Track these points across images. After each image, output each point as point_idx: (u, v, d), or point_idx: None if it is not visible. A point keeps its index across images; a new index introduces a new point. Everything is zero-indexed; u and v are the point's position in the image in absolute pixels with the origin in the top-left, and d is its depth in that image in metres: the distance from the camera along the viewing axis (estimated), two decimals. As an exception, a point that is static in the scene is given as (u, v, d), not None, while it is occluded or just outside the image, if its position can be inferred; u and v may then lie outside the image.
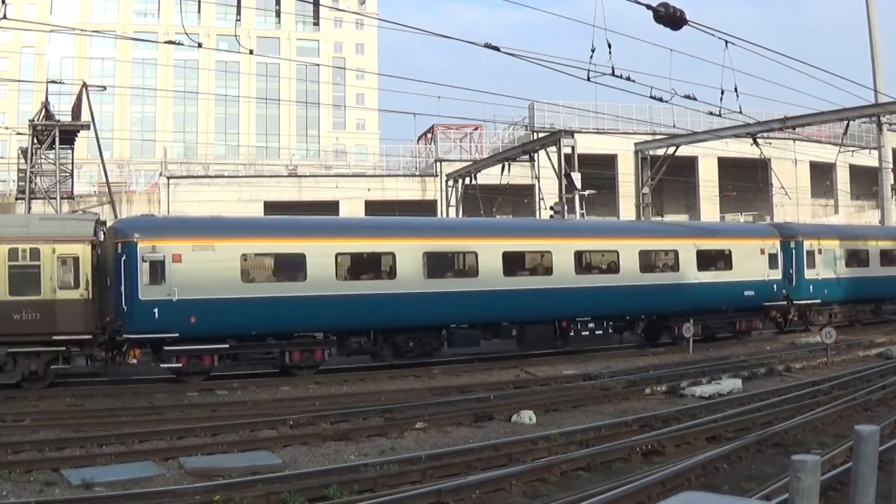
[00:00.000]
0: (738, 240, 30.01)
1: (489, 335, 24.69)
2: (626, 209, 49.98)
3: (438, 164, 56.05)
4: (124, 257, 20.13)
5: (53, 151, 35.82)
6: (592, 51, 19.80)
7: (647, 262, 27.70)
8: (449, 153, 59.10)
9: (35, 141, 36.23)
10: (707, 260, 28.51)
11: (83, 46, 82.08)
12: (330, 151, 79.80)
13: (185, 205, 46.64)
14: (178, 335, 20.21)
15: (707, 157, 57.44)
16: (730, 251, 29.18)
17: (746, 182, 55.15)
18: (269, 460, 12.46)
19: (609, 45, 19.38)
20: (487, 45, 18.71)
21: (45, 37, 76.15)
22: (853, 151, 52.55)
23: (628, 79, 21.19)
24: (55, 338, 19.71)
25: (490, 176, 43.72)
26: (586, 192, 35.99)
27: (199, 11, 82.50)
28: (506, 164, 40.96)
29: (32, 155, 36.16)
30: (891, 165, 48.20)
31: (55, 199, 35.57)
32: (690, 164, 57.53)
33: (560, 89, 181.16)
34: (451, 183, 48.25)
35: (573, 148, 35.59)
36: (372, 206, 51.23)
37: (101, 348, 20.56)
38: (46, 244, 19.91)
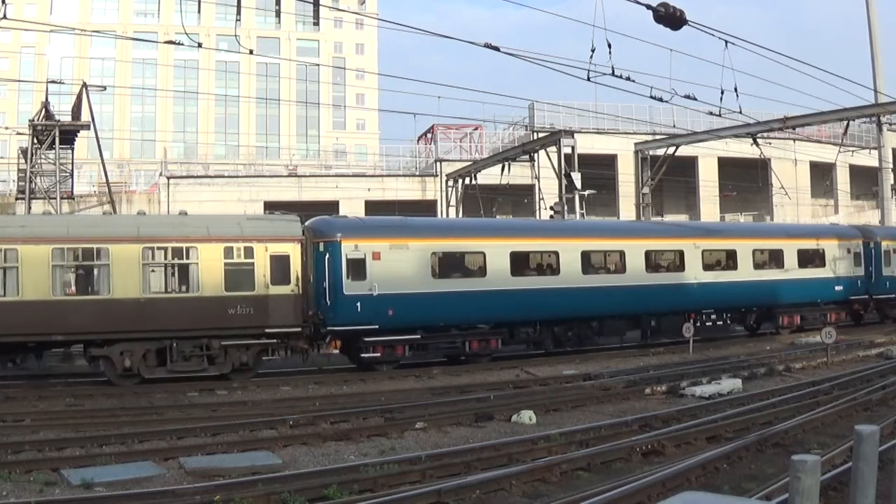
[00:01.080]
0: (830, 240, 32.92)
1: (632, 326, 27.40)
2: (627, 209, 49.98)
3: (438, 164, 56.04)
4: (328, 255, 21.97)
5: (53, 151, 35.82)
6: (592, 51, 19.82)
7: (760, 260, 30.49)
8: (449, 153, 59.10)
9: (35, 141, 36.23)
10: (805, 258, 31.58)
11: (83, 46, 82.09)
12: (330, 151, 79.80)
13: (184, 205, 46.58)
14: (377, 327, 22.19)
15: (707, 157, 57.44)
16: (823, 251, 32.22)
17: (746, 182, 55.13)
18: (269, 460, 12.45)
19: (609, 45, 19.38)
20: (487, 45, 18.70)
21: (45, 37, 76.16)
22: (853, 151, 52.52)
23: (628, 79, 21.19)
24: (268, 331, 21.14)
25: (490, 176, 43.71)
26: (586, 192, 36.03)
27: (199, 11, 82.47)
28: (506, 164, 40.97)
29: (32, 155, 36.16)
30: (891, 165, 48.21)
31: (55, 199, 35.57)
32: (690, 164, 57.52)
33: (560, 89, 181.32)
34: (451, 183, 48.26)
35: (573, 148, 35.61)
36: (372, 207, 51.21)
37: (305, 340, 21.96)
38: (260, 243, 21.35)
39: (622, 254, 26.84)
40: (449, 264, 24.12)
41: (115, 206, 41.91)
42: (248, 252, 21.19)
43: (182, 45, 22.59)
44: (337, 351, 22.88)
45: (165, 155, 62.51)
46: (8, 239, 19.72)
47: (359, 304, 21.87)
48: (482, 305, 23.72)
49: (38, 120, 37.25)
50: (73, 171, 38.27)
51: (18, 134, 45.15)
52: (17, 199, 39.94)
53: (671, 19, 14.81)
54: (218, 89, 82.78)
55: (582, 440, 13.12)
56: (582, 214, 35.16)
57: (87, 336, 20.09)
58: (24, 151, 37.29)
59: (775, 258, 30.72)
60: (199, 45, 23.26)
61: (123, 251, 20.16)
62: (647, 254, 27.50)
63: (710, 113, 27.36)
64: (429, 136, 64.46)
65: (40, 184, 36.65)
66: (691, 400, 17.39)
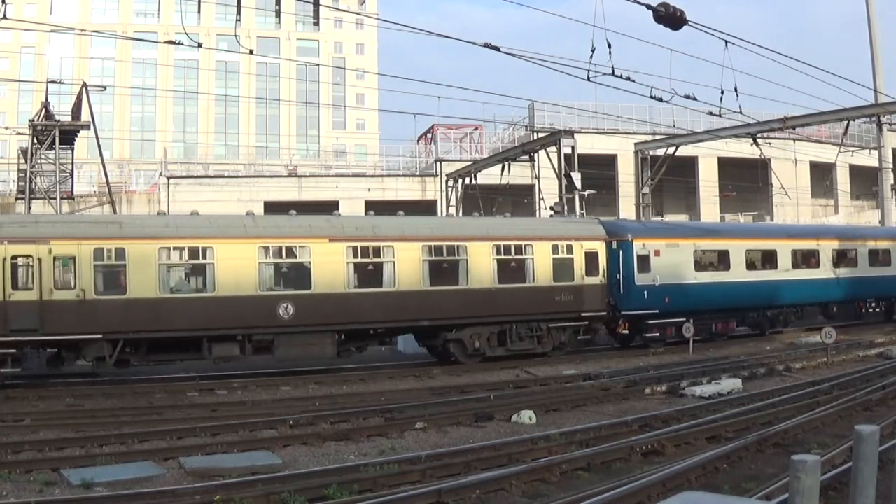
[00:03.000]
0: None
1: (820, 312, 33.19)
2: (627, 209, 49.94)
3: (438, 164, 55.98)
4: (621, 252, 26.41)
5: (53, 151, 35.84)
6: (592, 51, 19.81)
7: None
8: (449, 153, 59.04)
9: (35, 141, 36.24)
10: None
11: (83, 46, 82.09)
12: (330, 151, 79.75)
13: (184, 205, 46.53)
14: (657, 311, 26.62)
15: (707, 157, 57.37)
16: None
17: (746, 182, 55.07)
18: (269, 460, 12.45)
19: (609, 45, 19.38)
20: (487, 45, 18.70)
21: (45, 37, 76.16)
22: (853, 151, 52.48)
23: (628, 79, 21.18)
24: (582, 314, 25.25)
25: (490, 176, 43.67)
26: (586, 192, 35.94)
27: (199, 11, 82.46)
28: (506, 164, 40.93)
29: (32, 155, 36.17)
30: (891, 165, 48.18)
31: (55, 199, 35.57)
32: (690, 164, 57.45)
33: (560, 89, 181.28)
34: (451, 183, 48.22)
35: (573, 148, 35.56)
36: (372, 206, 51.05)
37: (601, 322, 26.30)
38: (577, 241, 25.57)
39: (817, 252, 32.16)
40: (705, 260, 29.23)
41: (115, 206, 41.89)
42: (569, 249, 25.29)
43: (182, 45, 22.61)
44: (626, 332, 27.04)
45: (165, 155, 62.45)
46: (386, 238, 22.93)
47: (645, 292, 26.45)
48: (726, 294, 28.54)
49: (38, 120, 37.26)
50: (73, 171, 38.27)
51: (18, 134, 45.16)
52: (17, 199, 39.94)
53: (671, 19, 14.81)
54: (218, 89, 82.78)
55: (582, 440, 13.12)
56: (582, 214, 35.13)
57: (447, 321, 23.38)
58: (24, 151, 37.30)
59: None
60: (199, 45, 23.28)
61: (478, 248, 23.90)
62: (835, 252, 32.92)
63: (710, 113, 27.36)
64: (429, 136, 64.40)
65: (40, 184, 36.66)
66: (691, 400, 17.38)
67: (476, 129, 61.30)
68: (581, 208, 35.03)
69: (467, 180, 45.88)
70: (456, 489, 10.07)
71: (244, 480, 10.69)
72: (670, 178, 48.24)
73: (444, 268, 23.54)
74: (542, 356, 24.40)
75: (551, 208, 36.18)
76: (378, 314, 22.48)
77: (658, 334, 26.96)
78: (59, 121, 36.23)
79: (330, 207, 49.01)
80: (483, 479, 10.56)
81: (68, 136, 36.66)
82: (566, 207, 34.58)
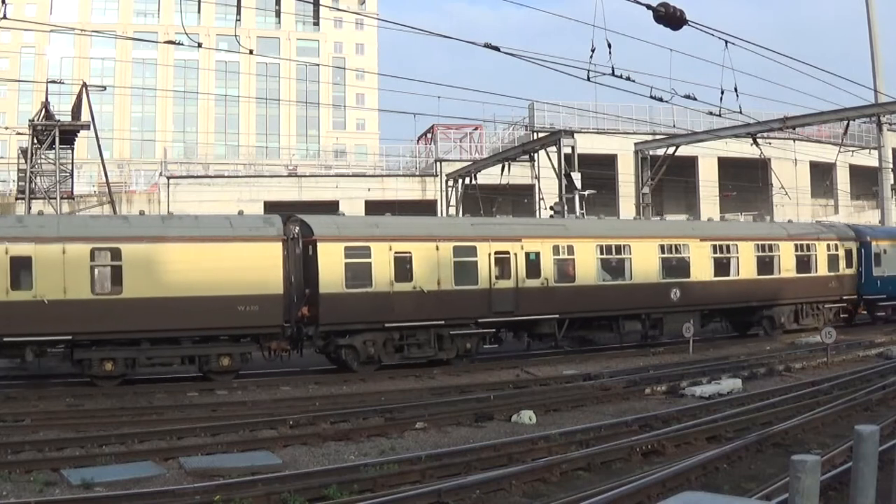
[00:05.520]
0: None
1: None
2: (627, 209, 49.99)
3: (438, 164, 56.01)
4: (863, 250, 33.10)
5: (53, 151, 35.85)
6: (592, 51, 19.78)
7: None
8: (449, 153, 59.07)
9: (35, 141, 36.25)
10: None
11: (83, 46, 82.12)
12: (330, 151, 79.79)
13: (184, 205, 46.54)
14: (884, 296, 33.47)
15: (707, 157, 57.39)
16: None
17: (746, 182, 55.10)
18: (269, 460, 12.45)
19: (609, 45, 19.34)
20: (487, 45, 18.69)
21: (45, 37, 76.22)
22: (853, 151, 52.47)
23: (628, 79, 21.17)
24: (843, 298, 32.05)
25: (490, 176, 43.70)
26: (586, 192, 35.99)
27: (199, 11, 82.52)
28: (506, 164, 40.95)
29: (32, 155, 36.18)
30: (891, 165, 48.15)
31: (55, 199, 35.57)
32: (690, 164, 57.46)
33: (560, 89, 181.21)
34: (451, 183, 48.25)
35: (573, 148, 35.59)
36: (372, 206, 51.15)
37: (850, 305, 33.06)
38: (840, 242, 32.36)
39: None
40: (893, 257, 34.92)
41: (115, 206, 41.90)
42: (836, 247, 31.91)
43: (182, 45, 22.63)
44: (865, 312, 33.92)
45: (165, 155, 62.50)
46: (732, 238, 29.41)
47: (878, 282, 33.14)
48: None
49: (38, 120, 37.28)
50: (73, 171, 38.29)
51: (18, 134, 45.20)
52: (17, 199, 39.96)
53: (671, 19, 14.80)
54: (218, 89, 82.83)
55: (582, 440, 13.11)
56: (582, 214, 35.15)
57: (765, 303, 29.74)
58: (24, 151, 37.31)
59: None
60: (199, 45, 23.23)
61: (785, 246, 30.59)
62: None
63: (710, 113, 27.39)
64: (429, 136, 64.42)
65: (40, 184, 36.68)
66: (691, 400, 17.37)
67: (476, 129, 61.34)
68: (581, 208, 35.05)
69: (467, 180, 45.90)
70: (456, 489, 10.07)
71: (244, 480, 10.68)
72: (670, 178, 48.28)
73: (765, 262, 29.99)
74: (815, 330, 29.61)
75: (551, 208, 36.20)
76: (727, 297, 28.77)
77: (884, 313, 33.89)
78: (59, 121, 36.24)
79: (330, 207, 49.11)
80: (483, 479, 10.55)
81: (68, 136, 36.66)
82: (566, 207, 34.59)
